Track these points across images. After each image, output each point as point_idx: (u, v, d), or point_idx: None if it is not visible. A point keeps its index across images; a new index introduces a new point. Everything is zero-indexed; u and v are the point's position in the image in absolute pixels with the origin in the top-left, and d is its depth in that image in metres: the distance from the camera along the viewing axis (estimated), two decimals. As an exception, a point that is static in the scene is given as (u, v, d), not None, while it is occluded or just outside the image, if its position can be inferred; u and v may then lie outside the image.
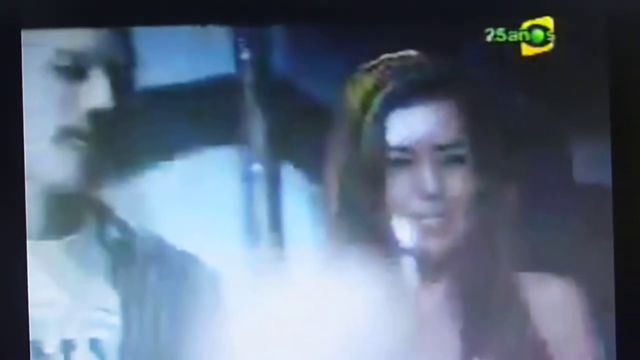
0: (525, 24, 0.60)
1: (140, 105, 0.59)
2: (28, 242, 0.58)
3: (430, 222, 0.60)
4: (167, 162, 0.59)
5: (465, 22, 0.60)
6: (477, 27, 0.60)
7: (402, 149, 0.59)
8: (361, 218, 0.60)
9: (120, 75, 0.59)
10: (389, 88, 0.60)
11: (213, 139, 0.59)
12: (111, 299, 0.59)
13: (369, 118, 0.60)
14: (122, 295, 0.59)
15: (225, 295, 0.59)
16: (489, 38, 0.60)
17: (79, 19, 0.59)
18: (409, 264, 0.60)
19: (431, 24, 0.60)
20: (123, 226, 0.59)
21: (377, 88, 0.60)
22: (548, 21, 0.60)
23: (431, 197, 0.59)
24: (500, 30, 0.60)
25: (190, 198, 0.59)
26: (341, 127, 0.60)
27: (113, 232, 0.59)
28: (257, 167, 0.60)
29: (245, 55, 0.60)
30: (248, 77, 0.60)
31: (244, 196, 0.59)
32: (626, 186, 0.60)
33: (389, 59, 0.60)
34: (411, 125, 0.60)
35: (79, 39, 0.59)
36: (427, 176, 0.59)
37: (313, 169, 0.60)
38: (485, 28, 0.60)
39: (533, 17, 0.60)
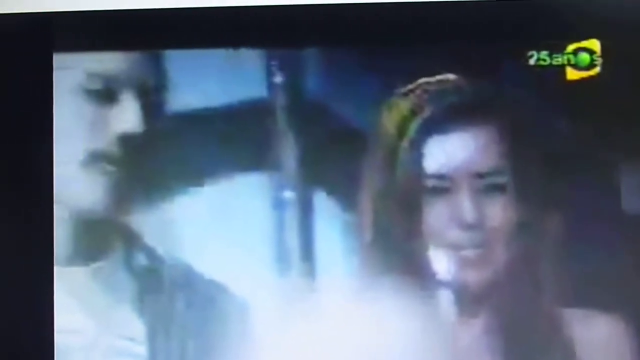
0: (570, 47, 0.58)
1: (170, 129, 0.58)
2: (55, 268, 0.57)
3: (469, 253, 0.57)
4: (197, 188, 0.58)
5: (506, 44, 0.58)
6: (520, 50, 0.58)
7: (440, 176, 0.57)
8: (396, 248, 0.57)
9: (151, 99, 0.58)
10: (426, 113, 0.58)
11: (244, 164, 0.58)
12: (137, 327, 0.57)
13: (405, 144, 0.58)
14: (148, 324, 0.57)
15: (254, 325, 0.57)
16: (531, 61, 0.58)
17: (110, 42, 0.58)
18: (446, 297, 0.57)
19: (471, 46, 0.58)
20: (151, 253, 0.58)
21: (413, 113, 0.58)
22: (594, 44, 0.58)
23: (470, 227, 0.57)
24: (544, 54, 0.58)
25: (219, 225, 0.58)
26: (376, 153, 0.58)
27: (141, 259, 0.58)
28: (288, 194, 0.58)
29: (278, 79, 0.58)
30: (280, 101, 0.58)
31: (275, 223, 0.58)
32: (679, 218, 0.56)
33: (427, 82, 0.58)
34: (449, 151, 0.57)
35: (110, 62, 0.58)
36: (465, 205, 0.57)
37: (347, 196, 0.58)
38: (528, 51, 0.58)
39: (579, 40, 0.58)
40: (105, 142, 0.58)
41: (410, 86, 0.58)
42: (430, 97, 0.58)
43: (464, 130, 0.57)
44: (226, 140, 0.58)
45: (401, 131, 0.58)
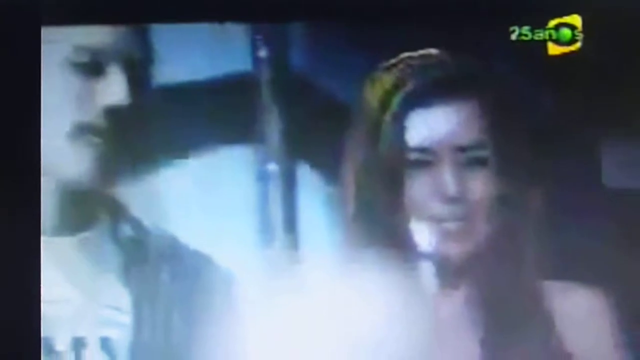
0: (552, 22, 0.58)
1: (156, 103, 0.59)
2: (42, 238, 0.58)
3: (451, 226, 0.58)
4: (182, 161, 0.59)
5: (488, 20, 0.58)
6: (501, 25, 0.58)
7: (422, 149, 0.58)
8: (379, 221, 0.58)
9: (137, 72, 0.59)
10: (409, 87, 0.58)
11: (229, 138, 0.59)
12: (123, 297, 0.58)
13: (388, 117, 0.58)
14: (134, 294, 0.58)
15: (238, 296, 0.58)
16: (513, 37, 0.58)
17: (97, 16, 0.59)
18: (427, 269, 0.58)
19: (453, 21, 0.58)
20: (137, 224, 0.59)
21: (397, 87, 0.58)
22: (576, 19, 0.58)
23: (452, 200, 0.57)
24: (526, 29, 0.58)
25: (204, 197, 0.58)
26: (360, 127, 0.58)
27: (127, 230, 0.59)
28: (272, 167, 0.59)
29: (263, 53, 0.59)
30: (265, 75, 0.59)
31: (259, 196, 0.59)
32: (660, 191, 0.57)
33: (410, 57, 0.59)
34: (432, 125, 0.58)
35: (97, 36, 0.58)
36: (447, 178, 0.57)
37: (330, 169, 0.58)
38: (510, 26, 0.58)
39: (560, 15, 0.58)
40: (92, 114, 0.58)
41: (393, 60, 0.58)
42: (413, 72, 0.58)
43: (446, 104, 0.58)
44: (211, 114, 0.58)
45: (384, 105, 0.58)
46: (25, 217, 0.58)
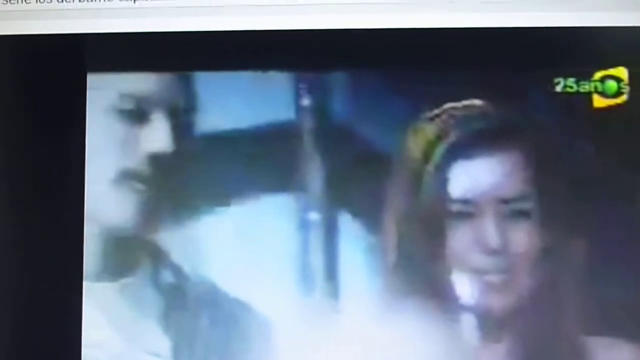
0: (598, 75, 0.58)
1: (199, 150, 0.59)
2: (84, 283, 0.58)
3: (493, 278, 0.57)
4: (223, 208, 0.59)
5: (533, 70, 0.58)
6: (546, 77, 0.58)
7: (465, 201, 0.57)
8: (420, 271, 0.58)
9: (181, 120, 0.59)
10: (452, 138, 0.58)
11: (270, 186, 0.59)
12: (162, 343, 0.58)
13: (430, 168, 0.58)
14: (173, 340, 0.58)
15: (277, 344, 0.58)
16: (558, 88, 0.58)
17: (142, 64, 0.60)
18: (469, 322, 0.57)
19: (498, 72, 0.58)
20: (177, 270, 0.59)
21: (439, 138, 0.58)
22: (622, 72, 0.57)
23: (494, 252, 0.57)
24: (571, 81, 0.58)
25: (245, 244, 0.58)
26: (401, 177, 0.58)
27: (167, 276, 0.59)
28: (313, 215, 0.59)
29: (306, 102, 0.59)
30: (307, 124, 0.59)
31: (299, 244, 0.58)
32: None
33: (453, 108, 0.58)
34: (474, 177, 0.57)
35: (142, 83, 0.59)
36: (490, 230, 0.57)
37: (371, 218, 0.58)
38: (555, 77, 0.58)
39: (606, 67, 0.57)
40: (136, 161, 0.59)
41: (436, 111, 0.58)
42: (456, 122, 0.58)
43: (489, 156, 0.57)
44: (253, 162, 0.59)
45: (426, 155, 0.58)
46: (69, 261, 0.59)
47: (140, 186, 0.59)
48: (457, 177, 0.58)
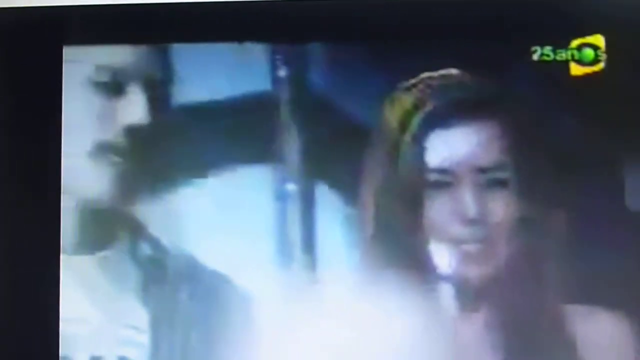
0: (575, 43, 0.57)
1: (176, 122, 0.59)
2: (62, 257, 0.58)
3: (470, 248, 0.57)
4: (201, 180, 0.59)
5: (510, 39, 0.58)
6: (523, 46, 0.58)
7: (442, 170, 0.57)
8: (398, 242, 0.58)
9: (158, 92, 0.59)
10: (428, 107, 0.58)
11: (248, 157, 0.59)
12: (141, 316, 0.58)
13: (407, 138, 0.58)
14: (152, 314, 0.58)
15: (256, 316, 0.58)
16: (535, 57, 0.58)
17: (119, 36, 0.59)
18: (447, 291, 0.57)
19: (474, 41, 0.58)
20: (155, 243, 0.59)
21: (416, 107, 0.58)
22: (599, 39, 0.57)
23: (471, 222, 0.57)
24: (548, 49, 0.58)
25: (223, 216, 0.58)
26: (379, 147, 0.58)
27: (145, 249, 0.59)
28: (291, 187, 0.58)
29: (283, 73, 0.59)
30: (285, 95, 0.59)
31: (277, 216, 0.58)
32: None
33: (430, 77, 0.58)
34: (452, 146, 0.57)
35: (118, 56, 0.59)
36: (467, 200, 0.57)
37: (349, 189, 0.58)
38: (532, 46, 0.58)
39: (583, 35, 0.57)
40: (113, 133, 0.59)
41: (413, 81, 0.58)
42: (433, 92, 0.58)
43: (466, 125, 0.57)
44: (230, 133, 0.58)
45: (404, 125, 0.58)
46: (45, 235, 0.58)
47: (117, 159, 0.58)
48: (435, 147, 0.57)
